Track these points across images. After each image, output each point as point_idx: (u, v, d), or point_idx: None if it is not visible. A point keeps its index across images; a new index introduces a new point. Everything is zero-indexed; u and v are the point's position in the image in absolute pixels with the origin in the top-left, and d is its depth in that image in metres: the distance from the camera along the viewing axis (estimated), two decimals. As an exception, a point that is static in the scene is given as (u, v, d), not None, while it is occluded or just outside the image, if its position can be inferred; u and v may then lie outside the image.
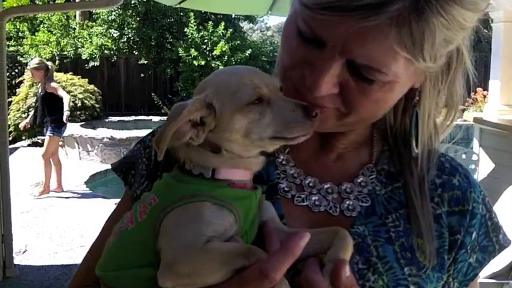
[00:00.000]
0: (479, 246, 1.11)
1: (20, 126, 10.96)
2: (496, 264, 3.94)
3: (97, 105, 16.50)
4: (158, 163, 1.13)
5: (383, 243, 1.02)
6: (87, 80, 16.91)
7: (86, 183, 10.62)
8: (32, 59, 12.07)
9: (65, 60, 18.72)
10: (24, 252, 6.80)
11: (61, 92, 9.87)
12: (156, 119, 16.99)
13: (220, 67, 17.34)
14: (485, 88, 10.32)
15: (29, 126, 10.39)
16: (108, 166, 12.09)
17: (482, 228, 1.11)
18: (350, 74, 0.91)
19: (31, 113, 10.47)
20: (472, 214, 1.09)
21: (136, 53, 19.78)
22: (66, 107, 9.70)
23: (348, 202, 1.07)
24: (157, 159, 1.10)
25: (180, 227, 0.85)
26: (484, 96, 12.92)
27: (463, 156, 7.53)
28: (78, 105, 15.42)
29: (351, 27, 0.84)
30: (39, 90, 9.81)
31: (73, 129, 12.98)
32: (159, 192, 0.93)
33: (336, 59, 0.89)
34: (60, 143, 12.56)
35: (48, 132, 9.48)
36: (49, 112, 9.51)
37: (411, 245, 1.03)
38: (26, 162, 8.97)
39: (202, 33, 17.96)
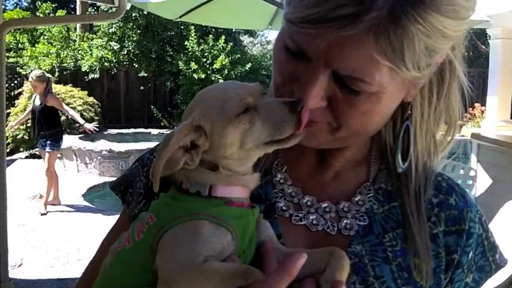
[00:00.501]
0: (476, 265, 1.10)
1: (12, 125, 11.01)
2: (495, 279, 3.93)
3: (96, 118, 16.50)
4: None
5: (380, 262, 1.02)
6: (86, 92, 16.94)
7: (83, 196, 10.60)
8: (31, 70, 11.93)
9: (64, 72, 18.72)
10: (20, 265, 6.76)
11: (66, 107, 9.87)
12: (155, 131, 17.00)
13: (220, 80, 17.37)
14: (483, 104, 10.34)
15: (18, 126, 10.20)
16: (107, 179, 12.15)
17: (479, 247, 1.11)
18: (337, 86, 0.91)
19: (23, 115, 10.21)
20: (469, 234, 1.08)
21: (136, 66, 19.82)
22: (81, 121, 9.98)
23: (345, 221, 1.06)
24: None
25: (178, 246, 0.84)
26: (482, 112, 12.93)
27: (461, 171, 7.54)
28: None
29: (329, 38, 0.84)
30: (37, 103, 9.45)
31: (71, 141, 12.99)
32: (157, 212, 0.93)
33: (322, 71, 0.90)
34: (59, 155, 12.58)
35: (47, 147, 9.25)
36: (48, 126, 9.28)
37: (408, 264, 1.02)
38: (23, 174, 8.95)
39: (202, 47, 18.02)
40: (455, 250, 1.06)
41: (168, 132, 0.92)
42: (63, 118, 10.81)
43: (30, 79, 9.41)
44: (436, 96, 1.04)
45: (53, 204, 9.51)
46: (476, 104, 14.72)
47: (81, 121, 10.11)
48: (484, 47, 22.53)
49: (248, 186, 0.96)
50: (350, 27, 0.82)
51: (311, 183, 1.11)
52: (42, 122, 9.28)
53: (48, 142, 9.26)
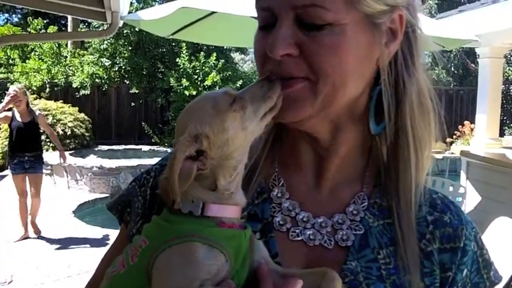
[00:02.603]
0: (471, 283, 1.11)
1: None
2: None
3: (87, 134, 16.48)
4: (153, 203, 1.14)
5: (375, 281, 1.02)
6: (77, 108, 16.92)
7: (73, 212, 10.53)
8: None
9: (55, 88, 18.69)
10: (10, 282, 6.70)
11: (47, 126, 9.42)
12: (146, 148, 16.98)
13: (211, 97, 17.39)
14: (473, 121, 10.45)
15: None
16: (97, 195, 12.10)
17: (474, 265, 1.11)
18: (302, 30, 0.96)
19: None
20: (464, 251, 1.09)
21: (127, 82, 19.81)
22: (60, 146, 9.42)
23: (341, 233, 1.07)
24: (152, 199, 1.14)
25: (173, 270, 0.84)
26: (472, 130, 13.06)
27: (450, 188, 7.59)
28: (68, 133, 15.40)
29: None
30: (18, 119, 8.55)
31: (62, 157, 12.94)
32: (149, 235, 0.93)
33: (285, 19, 0.96)
34: (49, 171, 12.53)
35: (35, 169, 8.54)
36: (34, 146, 8.60)
37: (402, 282, 1.03)
38: (13, 190, 8.87)
39: (194, 64, 18.05)
40: (450, 268, 1.07)
41: (159, 148, 0.95)
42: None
43: (13, 92, 8.44)
44: (406, 69, 1.07)
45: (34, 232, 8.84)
46: (466, 122, 14.88)
47: (61, 147, 9.54)
48: (473, 66, 22.80)
49: (239, 203, 0.97)
50: None
51: (307, 200, 1.12)
52: (26, 141, 8.48)
53: (36, 164, 8.62)
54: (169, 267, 0.85)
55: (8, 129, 8.96)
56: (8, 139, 9.15)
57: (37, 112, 9.05)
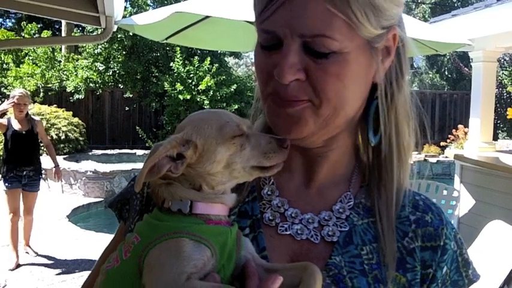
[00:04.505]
0: (451, 280, 1.17)
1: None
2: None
3: (81, 138, 16.47)
4: (149, 200, 1.19)
5: (357, 274, 1.08)
6: (71, 112, 16.92)
7: (68, 216, 10.52)
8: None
9: (49, 93, 18.69)
10: (4, 287, 6.68)
11: (46, 136, 8.37)
12: (140, 152, 16.97)
13: (206, 101, 17.43)
14: (467, 125, 10.48)
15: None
16: (91, 200, 12.09)
17: (454, 263, 1.17)
18: (308, 55, 1.00)
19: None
20: (444, 250, 1.15)
21: (121, 87, 19.83)
22: (56, 161, 8.20)
23: (327, 228, 1.13)
24: (149, 196, 1.20)
25: (162, 264, 0.89)
26: (465, 133, 13.10)
27: (444, 192, 7.61)
28: (62, 138, 15.39)
29: (287, 3, 0.97)
30: (16, 127, 7.60)
31: (56, 162, 12.91)
32: (141, 232, 0.98)
33: (292, 44, 0.99)
34: (44, 175, 12.48)
35: (32, 186, 7.64)
36: (32, 159, 7.69)
37: (384, 276, 1.09)
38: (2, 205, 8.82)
39: (188, 68, 18.07)
40: (431, 265, 1.13)
41: (156, 144, 0.99)
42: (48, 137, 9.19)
43: (18, 94, 7.56)
44: (396, 81, 1.14)
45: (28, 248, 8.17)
46: (460, 126, 14.93)
47: (57, 162, 8.27)
48: (467, 70, 22.89)
49: (226, 204, 1.02)
50: None
51: (296, 198, 1.17)
52: (24, 152, 7.60)
53: (35, 180, 7.71)
54: (159, 262, 0.90)
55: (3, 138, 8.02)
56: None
57: (35, 119, 8.06)
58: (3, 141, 7.77)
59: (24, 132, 7.57)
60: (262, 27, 1.03)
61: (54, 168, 8.16)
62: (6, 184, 7.50)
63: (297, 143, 1.10)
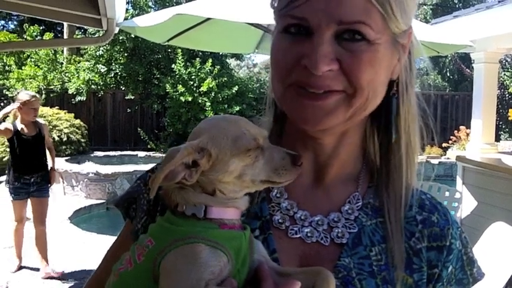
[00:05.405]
0: (456, 279, 1.19)
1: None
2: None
3: (83, 140, 16.48)
4: (158, 200, 1.19)
5: (366, 276, 1.09)
6: (73, 114, 16.92)
7: (69, 218, 10.51)
8: (18, 92, 9.17)
9: (51, 95, 18.70)
10: (5, 288, 6.69)
11: (50, 141, 7.70)
12: (142, 154, 16.98)
13: (207, 103, 17.41)
14: (469, 126, 10.47)
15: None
16: (93, 201, 12.08)
17: (459, 262, 1.19)
18: (341, 45, 1.00)
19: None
20: (449, 249, 1.16)
21: (123, 88, 19.82)
22: (55, 164, 7.62)
23: (336, 230, 1.13)
24: (157, 198, 1.18)
25: (179, 270, 0.89)
26: (467, 135, 13.09)
27: (446, 194, 7.60)
28: (64, 139, 15.39)
29: None
30: (21, 132, 7.07)
31: (58, 163, 12.88)
32: (155, 235, 0.98)
33: (325, 33, 0.99)
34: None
35: (42, 192, 7.16)
36: (40, 165, 7.21)
37: (392, 278, 1.09)
38: (9, 197, 8.70)
39: (189, 70, 18.05)
40: (437, 265, 1.14)
41: (155, 153, 0.98)
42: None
43: (33, 100, 7.13)
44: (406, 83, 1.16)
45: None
46: (462, 127, 14.92)
47: (55, 166, 7.60)
48: (469, 71, 22.87)
49: (240, 208, 1.02)
50: None
51: (304, 200, 1.18)
52: (32, 158, 7.13)
53: (43, 186, 7.22)
54: (176, 268, 0.90)
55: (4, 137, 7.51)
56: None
57: (42, 122, 7.64)
58: (9, 147, 7.29)
59: (31, 137, 7.12)
60: (292, 14, 1.01)
61: (50, 171, 7.46)
62: (13, 194, 7.10)
63: (320, 135, 1.11)
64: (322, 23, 0.98)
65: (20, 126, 7.08)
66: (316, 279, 0.96)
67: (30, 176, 7.05)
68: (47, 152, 7.39)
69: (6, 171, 7.30)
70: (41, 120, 7.68)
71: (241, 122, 1.02)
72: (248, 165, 0.98)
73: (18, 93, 8.28)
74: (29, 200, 7.20)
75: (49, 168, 7.38)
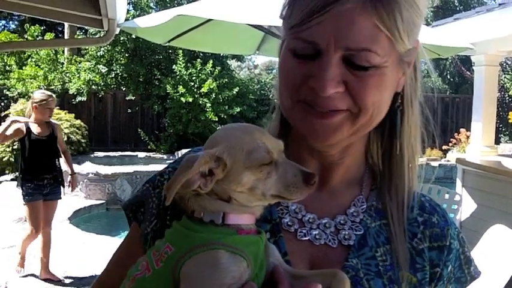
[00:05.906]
0: (454, 277, 1.24)
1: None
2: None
3: (83, 140, 16.47)
4: (167, 205, 1.20)
5: (373, 276, 1.13)
6: (73, 114, 16.91)
7: (69, 219, 10.50)
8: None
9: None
10: (4, 289, 6.68)
11: (63, 142, 7.56)
12: (142, 155, 16.99)
13: (208, 104, 17.42)
14: (469, 129, 10.47)
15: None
16: (93, 202, 12.07)
17: (457, 261, 1.24)
18: (348, 68, 1.02)
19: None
20: (449, 249, 1.21)
21: (124, 89, 19.82)
22: (73, 168, 7.52)
23: (343, 232, 1.17)
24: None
25: (201, 276, 0.91)
26: (467, 137, 13.08)
27: (446, 196, 7.60)
28: (64, 140, 15.38)
29: (334, 16, 0.98)
30: (35, 131, 6.86)
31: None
32: (174, 241, 0.99)
33: (333, 56, 1.01)
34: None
35: (58, 196, 7.08)
36: (53, 165, 7.04)
37: (397, 277, 1.14)
38: (9, 196, 8.70)
39: (190, 71, 18.06)
40: (438, 264, 1.19)
41: (189, 155, 1.01)
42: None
43: (51, 100, 6.90)
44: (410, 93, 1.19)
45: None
46: (462, 129, 14.90)
47: (73, 171, 7.63)
48: (469, 73, 22.85)
49: (255, 213, 1.04)
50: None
51: (311, 203, 1.20)
52: (45, 159, 6.95)
53: (56, 188, 7.09)
54: (198, 274, 0.92)
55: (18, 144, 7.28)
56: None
57: (55, 122, 7.41)
58: (20, 148, 7.07)
59: (45, 138, 6.91)
60: (302, 36, 1.03)
61: (70, 176, 7.42)
62: (28, 196, 6.77)
63: (326, 149, 1.15)
64: (330, 46, 1.00)
65: (33, 126, 6.88)
66: (332, 280, 0.98)
67: (43, 177, 6.87)
68: (63, 155, 7.28)
69: (18, 173, 7.05)
70: (53, 121, 7.45)
71: (259, 134, 1.02)
72: (260, 179, 0.99)
73: (32, 92, 8.14)
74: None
75: (62, 170, 7.25)
